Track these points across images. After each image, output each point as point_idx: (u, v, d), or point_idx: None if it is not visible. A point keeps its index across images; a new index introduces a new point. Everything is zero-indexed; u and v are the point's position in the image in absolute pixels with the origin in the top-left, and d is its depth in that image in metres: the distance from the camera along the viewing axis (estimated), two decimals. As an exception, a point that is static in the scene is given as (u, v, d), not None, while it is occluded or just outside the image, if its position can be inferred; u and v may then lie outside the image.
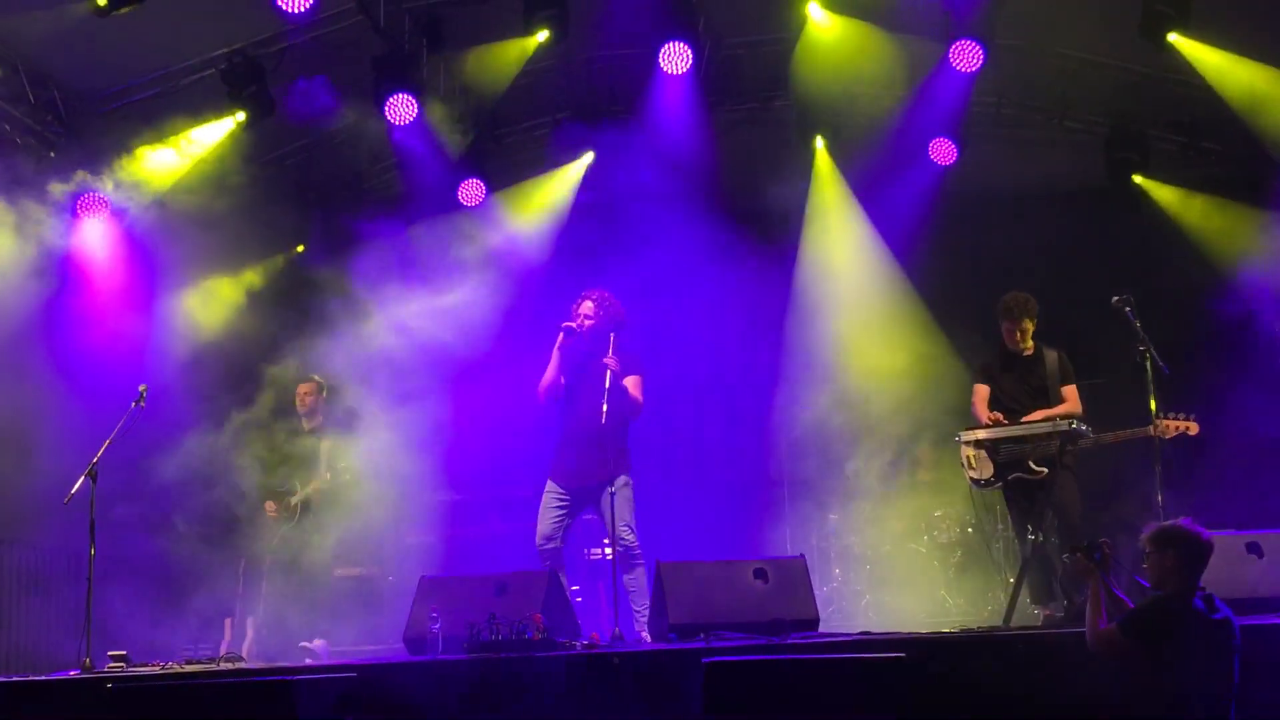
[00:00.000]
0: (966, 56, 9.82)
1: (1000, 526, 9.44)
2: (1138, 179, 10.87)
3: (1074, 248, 10.36)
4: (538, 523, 7.64)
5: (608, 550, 8.67)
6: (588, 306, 7.76)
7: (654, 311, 12.13)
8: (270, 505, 8.64)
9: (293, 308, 11.14)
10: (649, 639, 7.08)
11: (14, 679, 6.91)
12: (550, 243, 11.72)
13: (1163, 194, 10.85)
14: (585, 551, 9.99)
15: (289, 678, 5.36)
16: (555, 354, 7.73)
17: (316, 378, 8.99)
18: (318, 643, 8.18)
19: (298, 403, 8.94)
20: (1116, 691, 5.16)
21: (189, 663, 7.52)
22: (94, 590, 7.35)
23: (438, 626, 6.55)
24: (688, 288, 12.05)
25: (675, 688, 5.69)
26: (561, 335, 7.70)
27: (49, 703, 6.11)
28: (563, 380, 7.76)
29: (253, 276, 11.49)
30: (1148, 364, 7.56)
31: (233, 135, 10.10)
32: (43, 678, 6.79)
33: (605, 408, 7.22)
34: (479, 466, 11.53)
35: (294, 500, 8.57)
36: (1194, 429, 7.63)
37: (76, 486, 7.47)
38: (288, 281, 11.65)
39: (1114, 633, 5.12)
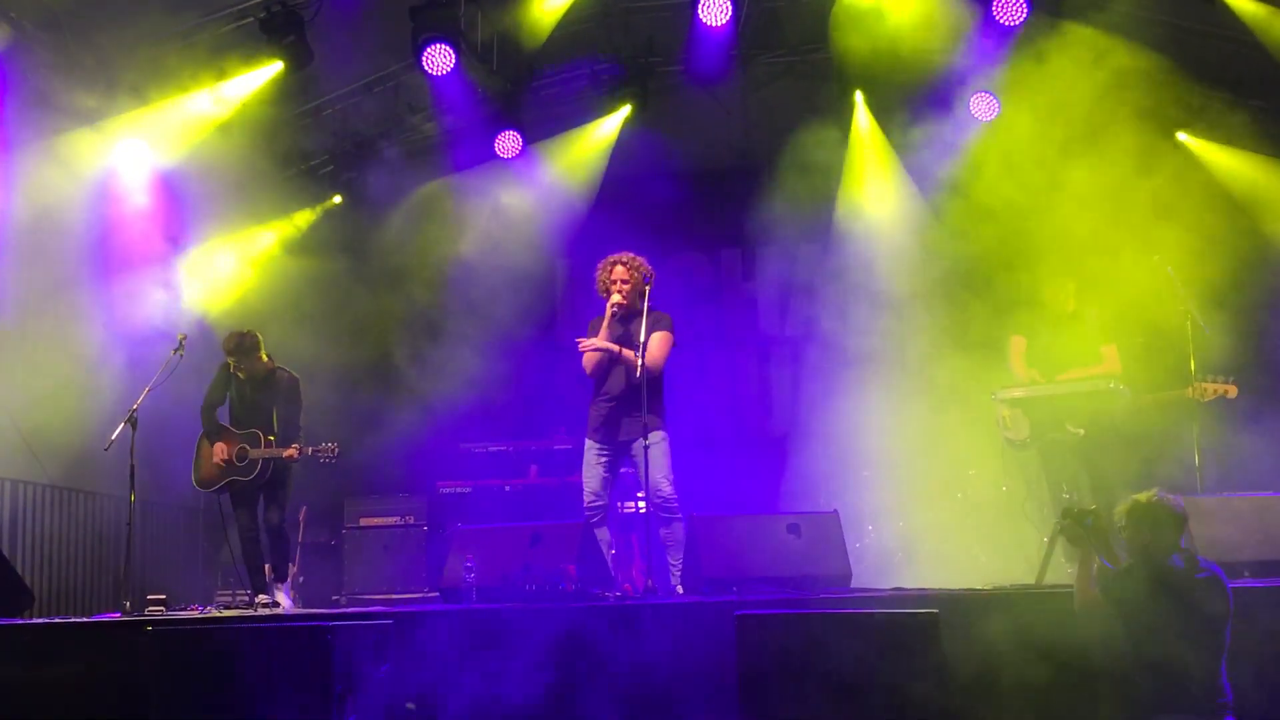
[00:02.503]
0: (1010, 10, 9.69)
1: (1034, 485, 9.39)
2: (1181, 135, 10.70)
3: (1117, 205, 10.23)
4: (584, 482, 7.63)
5: (641, 504, 8.70)
6: (620, 271, 7.67)
7: (688, 263, 12.15)
8: (221, 447, 8.28)
9: (328, 258, 11.20)
10: (682, 592, 7.11)
11: (56, 620, 7.04)
12: (587, 194, 11.70)
13: (1207, 151, 10.68)
14: (618, 505, 10.02)
15: (326, 623, 5.42)
16: (605, 331, 7.63)
17: (242, 333, 8.36)
18: (281, 594, 8.17)
19: (242, 373, 8.37)
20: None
21: (227, 608, 7.62)
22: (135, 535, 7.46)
23: (472, 576, 6.60)
24: (722, 239, 12.03)
25: (707, 640, 5.72)
26: (610, 313, 7.59)
27: (90, 643, 6.20)
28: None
29: (288, 226, 11.53)
30: (1189, 324, 7.47)
31: (271, 85, 10.09)
32: (84, 619, 6.90)
33: (640, 362, 7.22)
34: (514, 419, 11.59)
35: (254, 454, 8.21)
36: (1233, 392, 7.55)
37: (117, 433, 7.56)
38: (323, 231, 11.69)
39: (1097, 597, 5.25)
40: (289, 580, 8.45)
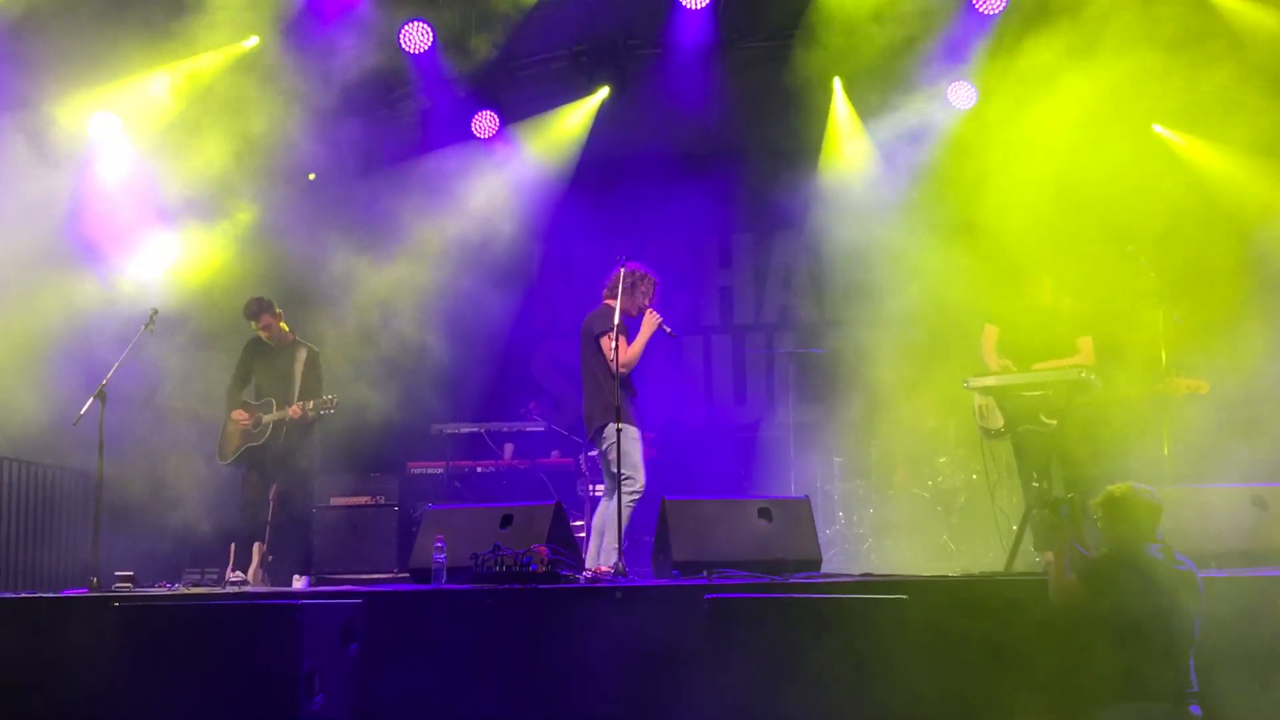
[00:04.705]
0: (989, -1, 9.74)
1: (1004, 474, 9.44)
2: (1157, 128, 10.73)
3: (1092, 195, 10.27)
4: (642, 468, 7.73)
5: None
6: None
7: (665, 250, 12.13)
8: (240, 415, 8.56)
9: (301, 236, 11.12)
10: (613, 572, 7.10)
11: (23, 595, 6.98)
12: (564, 176, 11.66)
13: (1185, 145, 10.71)
14: (591, 488, 10.04)
15: (294, 602, 5.39)
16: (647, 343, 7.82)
17: (254, 298, 8.73)
18: (299, 581, 8.18)
19: (265, 336, 8.73)
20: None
21: (195, 586, 7.58)
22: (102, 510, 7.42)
23: (442, 557, 6.59)
24: (698, 225, 12.01)
25: (677, 623, 5.73)
26: (662, 331, 7.80)
27: (57, 620, 6.16)
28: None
29: (264, 204, 11.44)
30: (1161, 316, 7.50)
31: (247, 59, 10.02)
32: (51, 595, 6.85)
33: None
34: (487, 401, 11.57)
35: (267, 419, 8.48)
36: (1204, 389, 7.58)
37: (86, 407, 7.52)
38: (298, 209, 11.60)
39: (1074, 584, 5.29)
40: (307, 571, 8.47)
